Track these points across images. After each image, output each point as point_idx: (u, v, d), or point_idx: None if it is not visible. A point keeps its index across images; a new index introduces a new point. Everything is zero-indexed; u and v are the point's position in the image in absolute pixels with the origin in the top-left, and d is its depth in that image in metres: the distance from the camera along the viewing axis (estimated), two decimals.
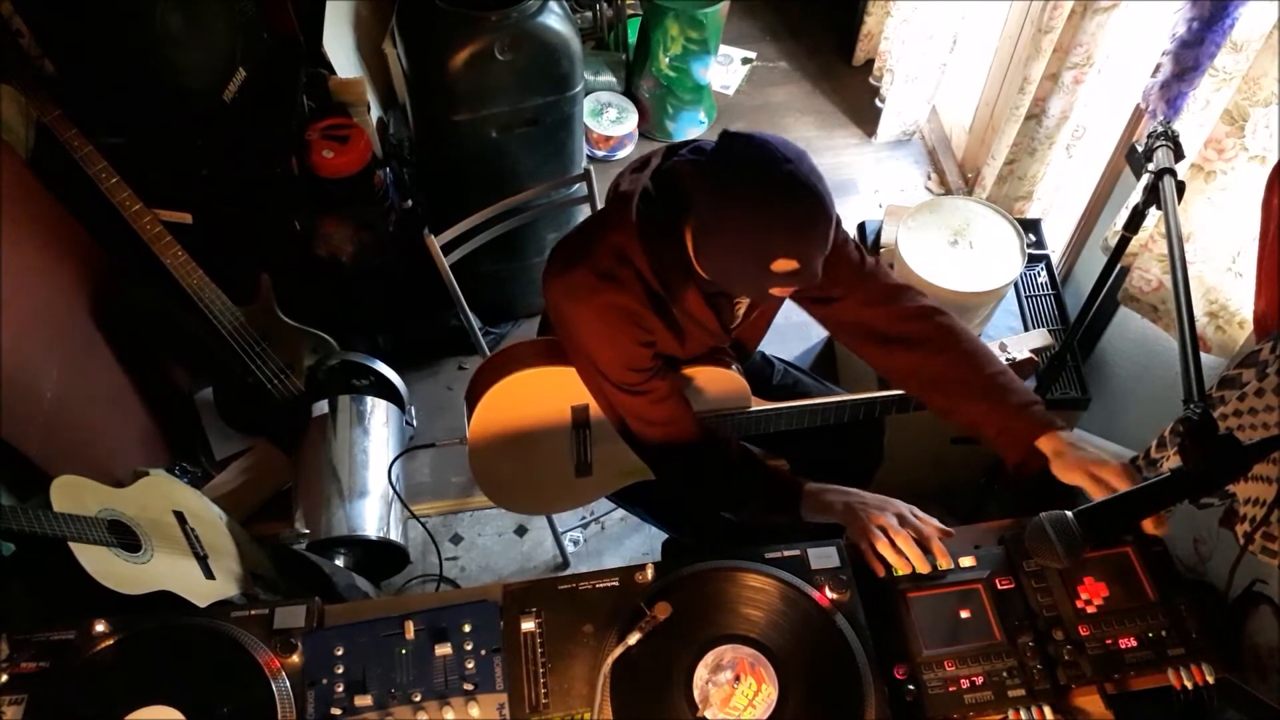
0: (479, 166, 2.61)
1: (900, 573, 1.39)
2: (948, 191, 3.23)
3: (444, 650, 1.31)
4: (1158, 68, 1.84)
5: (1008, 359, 1.67)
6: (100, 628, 1.32)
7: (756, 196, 1.30)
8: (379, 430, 2.45)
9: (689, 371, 1.62)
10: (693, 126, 3.47)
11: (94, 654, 1.31)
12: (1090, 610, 1.36)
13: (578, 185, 2.18)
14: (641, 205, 1.41)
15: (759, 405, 1.67)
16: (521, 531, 2.53)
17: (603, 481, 1.86)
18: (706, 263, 1.40)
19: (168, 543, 1.96)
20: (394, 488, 2.32)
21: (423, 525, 2.39)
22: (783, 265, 1.33)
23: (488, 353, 2.04)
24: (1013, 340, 2.29)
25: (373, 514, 2.31)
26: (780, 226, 1.31)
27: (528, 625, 1.33)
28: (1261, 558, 1.40)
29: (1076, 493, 2.30)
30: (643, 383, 1.52)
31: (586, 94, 3.11)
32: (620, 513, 2.52)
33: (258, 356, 2.41)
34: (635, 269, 1.42)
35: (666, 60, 3.24)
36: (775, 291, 1.42)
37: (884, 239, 2.43)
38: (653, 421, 1.57)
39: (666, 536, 2.40)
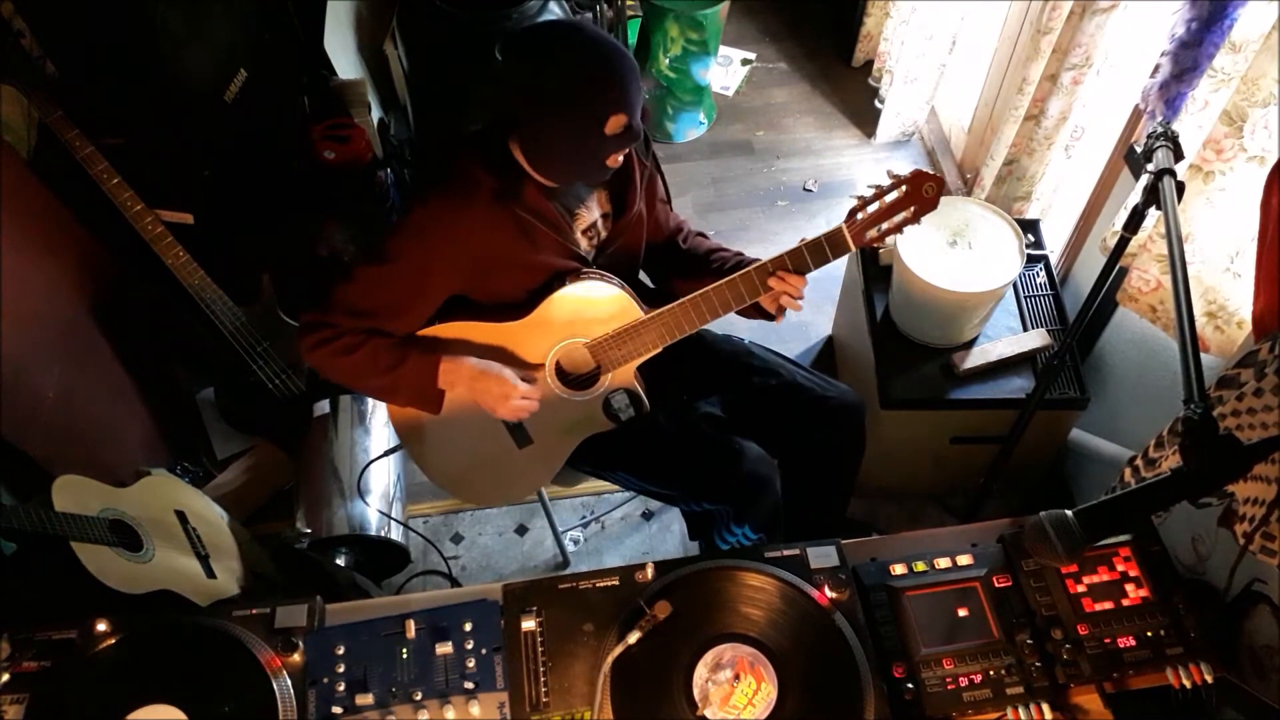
0: None
1: None
2: (947, 192, 3.23)
3: (445, 649, 1.32)
4: (1156, 68, 1.84)
5: None
6: (102, 627, 1.33)
7: (567, 66, 1.42)
8: (380, 430, 2.45)
9: (570, 291, 1.63)
10: (692, 127, 3.48)
11: (95, 653, 1.31)
12: (1088, 609, 1.37)
13: None
14: (472, 135, 1.58)
15: (651, 313, 1.66)
16: (522, 531, 2.53)
17: (549, 446, 1.82)
18: (541, 160, 1.52)
19: (169, 542, 1.96)
20: (363, 498, 2.31)
21: (407, 526, 2.37)
22: (614, 124, 1.47)
23: None
24: (1012, 340, 2.30)
25: (374, 513, 2.31)
26: (601, 82, 1.43)
27: (528, 624, 1.33)
28: (1261, 557, 1.40)
29: (1076, 493, 2.29)
30: (390, 266, 1.56)
31: None
32: (620, 511, 2.52)
33: (259, 356, 2.42)
34: (476, 178, 1.53)
35: (666, 61, 3.25)
36: (610, 162, 1.55)
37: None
38: (356, 309, 1.58)
39: (675, 527, 2.36)
